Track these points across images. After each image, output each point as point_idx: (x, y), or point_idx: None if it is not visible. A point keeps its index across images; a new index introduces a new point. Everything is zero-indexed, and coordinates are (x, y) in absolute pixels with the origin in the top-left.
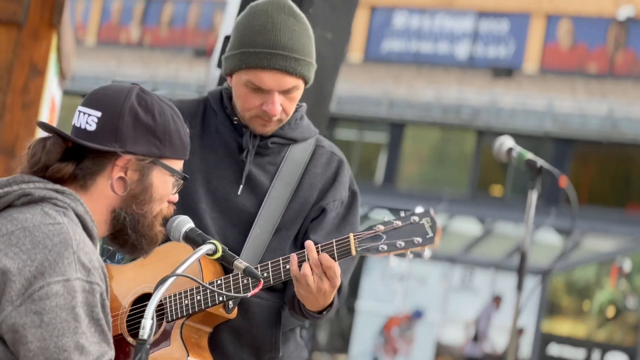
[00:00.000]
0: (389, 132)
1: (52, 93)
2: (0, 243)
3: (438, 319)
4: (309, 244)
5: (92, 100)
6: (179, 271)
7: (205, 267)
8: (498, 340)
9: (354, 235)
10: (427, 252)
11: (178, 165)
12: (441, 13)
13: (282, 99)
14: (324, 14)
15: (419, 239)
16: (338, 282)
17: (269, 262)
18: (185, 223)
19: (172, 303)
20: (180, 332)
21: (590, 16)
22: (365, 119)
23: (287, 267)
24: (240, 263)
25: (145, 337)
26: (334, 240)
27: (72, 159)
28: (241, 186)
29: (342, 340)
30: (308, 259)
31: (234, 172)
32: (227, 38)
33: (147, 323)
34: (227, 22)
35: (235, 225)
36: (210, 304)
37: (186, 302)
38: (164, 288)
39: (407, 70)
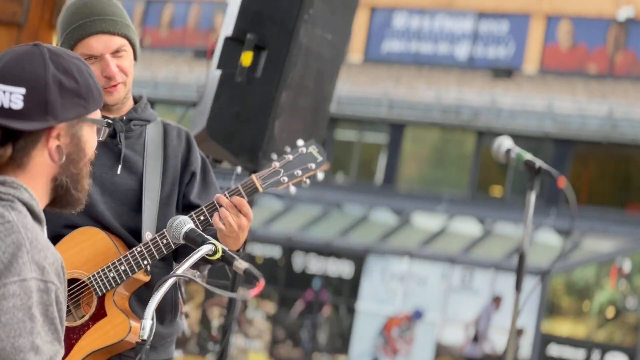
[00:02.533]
0: (389, 133)
1: None
2: None
3: (438, 319)
4: (218, 196)
5: (8, 76)
6: (179, 272)
7: (119, 244)
8: (498, 340)
9: (256, 175)
10: (319, 175)
11: (98, 113)
12: (441, 13)
13: (115, 61)
14: (324, 14)
15: (312, 165)
16: (252, 215)
17: (193, 212)
18: (186, 223)
19: (99, 280)
20: (113, 301)
21: (590, 17)
22: (365, 120)
23: (202, 218)
24: (241, 264)
25: (145, 337)
26: (239, 184)
27: (7, 140)
28: (119, 166)
29: (342, 340)
30: (221, 206)
31: (109, 157)
32: (227, 39)
33: (147, 323)
34: (228, 23)
35: (125, 203)
36: (136, 270)
37: (112, 275)
38: (163, 289)
39: (407, 71)
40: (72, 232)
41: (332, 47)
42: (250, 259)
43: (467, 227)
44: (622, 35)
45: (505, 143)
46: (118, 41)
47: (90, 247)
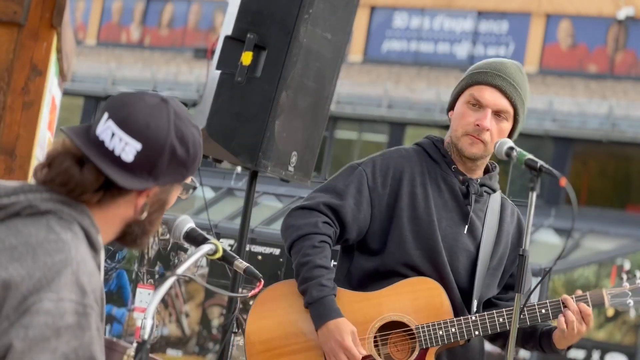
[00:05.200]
0: (389, 132)
1: (52, 93)
2: (2, 256)
3: None
4: (565, 297)
5: (131, 126)
6: (179, 271)
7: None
8: None
9: (606, 290)
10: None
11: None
12: (441, 13)
13: (492, 123)
14: (324, 14)
15: None
16: (592, 324)
17: (535, 303)
18: (186, 222)
19: (426, 333)
20: (434, 357)
21: (590, 16)
22: (365, 119)
23: (543, 311)
24: (241, 263)
25: (146, 337)
26: (587, 293)
27: (102, 187)
28: (466, 226)
29: None
30: (566, 308)
31: (458, 214)
32: (227, 38)
33: (148, 323)
34: (228, 23)
35: (460, 261)
36: (465, 336)
37: (440, 333)
38: (163, 288)
39: (407, 71)
40: (412, 278)
41: (332, 46)
42: (251, 258)
43: None
44: (622, 35)
45: (506, 142)
46: (505, 105)
47: (426, 298)
